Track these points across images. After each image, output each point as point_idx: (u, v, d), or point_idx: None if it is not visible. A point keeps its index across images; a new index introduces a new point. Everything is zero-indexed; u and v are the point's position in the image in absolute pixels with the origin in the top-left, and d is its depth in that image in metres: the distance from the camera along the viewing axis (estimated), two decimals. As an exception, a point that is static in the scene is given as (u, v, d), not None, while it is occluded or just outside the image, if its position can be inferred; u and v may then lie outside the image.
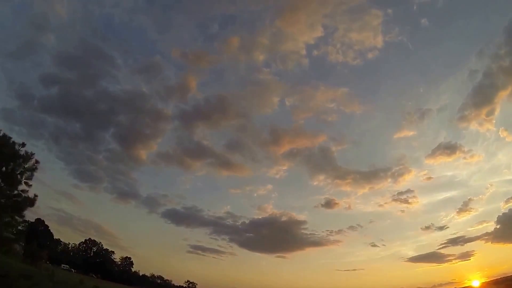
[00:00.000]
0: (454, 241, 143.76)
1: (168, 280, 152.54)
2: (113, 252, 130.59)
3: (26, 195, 25.65)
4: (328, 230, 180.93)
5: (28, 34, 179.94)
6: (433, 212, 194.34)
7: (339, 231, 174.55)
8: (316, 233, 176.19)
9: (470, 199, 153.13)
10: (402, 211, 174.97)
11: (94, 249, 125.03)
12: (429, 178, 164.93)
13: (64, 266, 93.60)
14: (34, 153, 25.91)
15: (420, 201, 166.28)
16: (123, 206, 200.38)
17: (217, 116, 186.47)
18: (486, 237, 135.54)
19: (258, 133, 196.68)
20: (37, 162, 25.99)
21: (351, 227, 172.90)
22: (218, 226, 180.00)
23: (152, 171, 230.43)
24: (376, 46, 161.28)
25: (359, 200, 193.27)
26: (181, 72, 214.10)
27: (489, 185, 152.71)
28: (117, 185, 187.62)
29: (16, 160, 25.06)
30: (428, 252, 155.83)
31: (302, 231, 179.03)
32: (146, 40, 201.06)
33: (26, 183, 25.96)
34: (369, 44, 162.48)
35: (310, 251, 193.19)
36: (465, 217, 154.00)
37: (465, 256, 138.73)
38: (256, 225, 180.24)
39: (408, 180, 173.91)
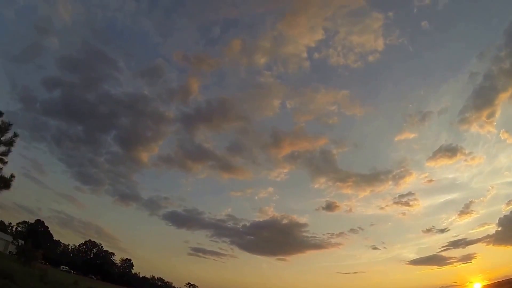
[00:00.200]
0: (455, 244, 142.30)
1: (168, 283, 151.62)
2: (113, 253, 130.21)
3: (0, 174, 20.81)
4: (329, 233, 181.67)
5: (32, 38, 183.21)
6: (434, 214, 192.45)
7: (340, 234, 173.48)
8: (317, 236, 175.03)
9: (471, 202, 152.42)
10: (403, 213, 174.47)
11: (94, 250, 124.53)
12: (430, 180, 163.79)
13: (63, 268, 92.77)
14: (11, 124, 21.34)
15: (421, 204, 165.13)
16: (124, 208, 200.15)
17: (219, 119, 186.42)
18: (487, 240, 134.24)
19: (259, 136, 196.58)
20: (15, 135, 21.62)
21: (352, 230, 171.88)
22: (219, 229, 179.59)
23: (153, 173, 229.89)
24: (377, 49, 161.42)
25: (360, 203, 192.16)
26: (183, 75, 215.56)
27: (490, 187, 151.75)
28: (118, 188, 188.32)
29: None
30: (429, 254, 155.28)
31: (303, 233, 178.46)
32: (149, 44, 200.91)
33: (1, 160, 21.57)
34: (370, 47, 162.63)
35: (311, 254, 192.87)
36: (466, 219, 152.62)
37: (467, 258, 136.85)
38: (257, 228, 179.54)
39: (409, 183, 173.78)
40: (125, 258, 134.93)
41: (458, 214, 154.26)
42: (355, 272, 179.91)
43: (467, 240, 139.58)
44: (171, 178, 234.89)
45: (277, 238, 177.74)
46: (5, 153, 21.54)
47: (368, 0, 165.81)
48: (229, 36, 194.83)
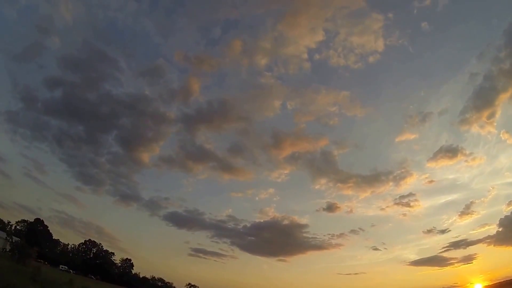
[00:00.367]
0: (456, 245, 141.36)
1: (169, 283, 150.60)
2: (113, 253, 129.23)
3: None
4: (329, 234, 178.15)
5: (33, 37, 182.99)
6: (435, 215, 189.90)
7: (341, 235, 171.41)
8: (317, 237, 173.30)
9: (472, 202, 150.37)
10: (404, 214, 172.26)
11: (94, 250, 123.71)
12: (431, 181, 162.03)
13: (62, 267, 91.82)
14: None
15: (422, 205, 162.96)
16: (125, 208, 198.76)
17: (219, 119, 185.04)
18: (488, 240, 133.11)
19: (260, 136, 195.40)
20: None
21: (353, 231, 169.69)
22: (219, 230, 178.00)
23: (154, 174, 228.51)
24: (377, 49, 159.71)
25: (361, 203, 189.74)
26: (184, 76, 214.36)
27: (491, 188, 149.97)
28: (119, 188, 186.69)
29: None
30: (430, 255, 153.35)
31: (304, 234, 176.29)
32: (149, 44, 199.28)
33: None
34: (370, 48, 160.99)
35: (311, 255, 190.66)
36: (467, 220, 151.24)
37: (468, 259, 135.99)
38: (258, 229, 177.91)
39: (409, 184, 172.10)
40: (125, 258, 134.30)
41: (459, 215, 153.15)
42: (356, 273, 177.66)
43: (468, 240, 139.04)
44: (172, 178, 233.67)
45: (277, 239, 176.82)
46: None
47: (368, 1, 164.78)
48: (230, 37, 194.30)
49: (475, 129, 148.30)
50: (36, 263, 38.34)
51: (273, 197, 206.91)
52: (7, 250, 46.32)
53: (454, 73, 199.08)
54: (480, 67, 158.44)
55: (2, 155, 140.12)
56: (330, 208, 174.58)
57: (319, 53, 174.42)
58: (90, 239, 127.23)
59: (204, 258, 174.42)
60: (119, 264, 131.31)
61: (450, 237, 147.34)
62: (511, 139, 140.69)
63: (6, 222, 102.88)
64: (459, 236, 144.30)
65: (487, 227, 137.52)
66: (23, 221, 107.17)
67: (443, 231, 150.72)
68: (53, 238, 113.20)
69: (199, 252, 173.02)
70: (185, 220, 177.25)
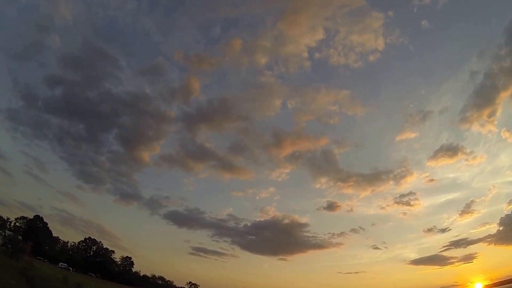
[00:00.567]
0: (456, 244, 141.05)
1: (169, 281, 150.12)
2: (113, 251, 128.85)
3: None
4: (330, 233, 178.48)
5: (33, 36, 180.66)
6: (435, 214, 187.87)
7: (341, 234, 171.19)
8: (318, 236, 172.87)
9: (472, 201, 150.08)
10: (404, 213, 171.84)
11: (94, 248, 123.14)
12: (431, 180, 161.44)
13: (62, 265, 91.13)
14: None
15: (422, 204, 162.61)
16: (125, 207, 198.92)
17: (220, 118, 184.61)
18: (489, 239, 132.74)
19: (260, 135, 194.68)
20: None
21: (353, 230, 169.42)
22: (220, 228, 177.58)
23: (154, 173, 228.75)
24: (377, 48, 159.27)
25: (361, 202, 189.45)
26: (184, 74, 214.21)
27: (491, 187, 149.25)
28: (119, 187, 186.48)
29: None
30: (430, 254, 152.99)
31: (304, 233, 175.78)
32: (149, 42, 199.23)
33: None
34: (370, 47, 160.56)
35: (312, 254, 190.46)
36: (468, 219, 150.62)
37: (468, 258, 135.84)
38: (258, 228, 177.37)
39: (410, 183, 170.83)
40: (125, 256, 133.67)
41: (459, 214, 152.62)
42: (356, 272, 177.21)
43: (468, 239, 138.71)
44: (173, 177, 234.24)
45: (278, 238, 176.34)
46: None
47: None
48: (230, 36, 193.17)
49: (475, 127, 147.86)
50: (29, 258, 37.96)
51: (274, 196, 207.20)
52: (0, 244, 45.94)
53: (455, 72, 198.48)
54: (481, 65, 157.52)
55: (3, 153, 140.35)
56: (331, 207, 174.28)
57: (319, 52, 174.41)
58: (90, 237, 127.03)
59: (205, 257, 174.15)
60: (119, 262, 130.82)
61: (450, 236, 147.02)
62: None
63: (5, 218, 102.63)
64: (459, 235, 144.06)
65: (487, 226, 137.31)
66: (22, 217, 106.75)
67: (443, 230, 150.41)
68: (53, 235, 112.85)
69: (199, 251, 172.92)
70: (185, 219, 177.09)
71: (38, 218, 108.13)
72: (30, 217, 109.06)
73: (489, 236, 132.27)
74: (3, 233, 58.79)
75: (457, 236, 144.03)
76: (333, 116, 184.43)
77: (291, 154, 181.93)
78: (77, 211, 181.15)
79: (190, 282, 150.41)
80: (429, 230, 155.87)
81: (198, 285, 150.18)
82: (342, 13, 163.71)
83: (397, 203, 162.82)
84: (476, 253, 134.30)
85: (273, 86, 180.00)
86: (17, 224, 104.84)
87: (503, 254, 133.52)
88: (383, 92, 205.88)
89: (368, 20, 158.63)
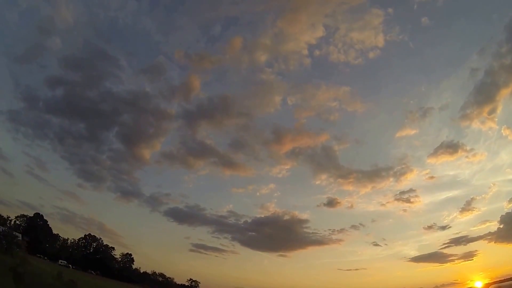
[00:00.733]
0: (456, 241, 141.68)
1: (170, 278, 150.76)
2: (113, 248, 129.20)
3: None
4: (330, 229, 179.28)
5: (35, 38, 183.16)
6: (435, 211, 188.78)
7: (341, 230, 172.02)
8: (318, 232, 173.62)
9: (472, 199, 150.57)
10: (404, 210, 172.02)
11: (94, 245, 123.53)
12: (431, 177, 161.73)
13: (61, 262, 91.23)
14: None
15: (422, 201, 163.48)
16: (126, 205, 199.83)
17: (220, 115, 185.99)
18: (489, 237, 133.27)
19: (260, 132, 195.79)
20: None
21: (353, 226, 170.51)
22: (220, 225, 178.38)
23: (155, 170, 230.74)
24: (377, 45, 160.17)
25: (362, 199, 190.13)
26: (184, 73, 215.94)
27: (492, 185, 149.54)
28: (120, 184, 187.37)
29: None
30: (430, 252, 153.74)
31: (305, 230, 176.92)
32: (150, 42, 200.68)
33: None
34: (370, 44, 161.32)
35: (312, 250, 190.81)
36: (468, 216, 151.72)
37: (468, 256, 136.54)
38: (259, 224, 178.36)
39: (410, 180, 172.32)
40: (125, 252, 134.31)
41: (460, 211, 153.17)
42: (356, 269, 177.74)
43: (469, 237, 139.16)
44: (173, 174, 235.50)
45: (278, 234, 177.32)
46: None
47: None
48: (230, 34, 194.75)
49: (476, 124, 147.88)
50: (23, 254, 37.74)
51: (274, 193, 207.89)
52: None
53: (455, 68, 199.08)
54: (481, 62, 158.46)
55: (4, 153, 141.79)
56: (331, 203, 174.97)
57: (319, 49, 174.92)
58: (90, 234, 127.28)
59: (205, 253, 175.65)
60: (119, 259, 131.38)
61: (450, 234, 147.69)
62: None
63: (6, 217, 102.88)
64: (459, 232, 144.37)
65: (488, 224, 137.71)
66: (23, 216, 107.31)
67: (443, 228, 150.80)
68: (53, 233, 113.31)
69: (200, 247, 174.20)
70: (186, 216, 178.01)
71: (38, 216, 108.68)
72: (30, 215, 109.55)
73: (489, 234, 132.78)
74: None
75: (457, 233, 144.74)
76: (333, 113, 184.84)
77: (291, 151, 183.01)
78: (78, 209, 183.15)
79: (190, 279, 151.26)
80: (429, 227, 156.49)
81: (199, 282, 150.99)
82: (342, 10, 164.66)
83: (397, 200, 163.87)
84: (476, 250, 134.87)
85: (273, 83, 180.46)
86: (17, 222, 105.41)
87: (503, 252, 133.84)
88: (383, 88, 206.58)
89: (368, 17, 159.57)
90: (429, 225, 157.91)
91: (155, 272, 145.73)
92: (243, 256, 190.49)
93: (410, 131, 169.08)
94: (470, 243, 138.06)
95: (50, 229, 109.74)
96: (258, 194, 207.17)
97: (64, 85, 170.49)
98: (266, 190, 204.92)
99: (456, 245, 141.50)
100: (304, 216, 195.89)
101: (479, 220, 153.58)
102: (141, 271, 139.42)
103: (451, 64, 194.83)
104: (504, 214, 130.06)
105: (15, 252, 37.27)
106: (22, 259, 32.19)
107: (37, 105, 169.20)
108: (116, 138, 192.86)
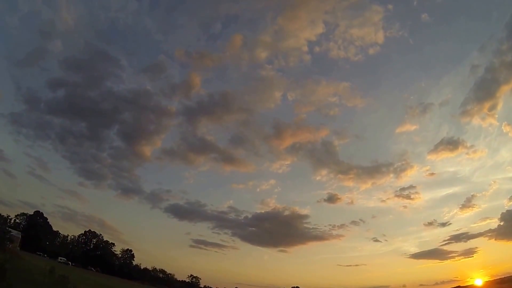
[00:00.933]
0: (457, 238, 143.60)
1: (170, 274, 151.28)
2: (113, 244, 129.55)
3: None
4: (330, 225, 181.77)
5: (36, 42, 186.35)
6: (435, 208, 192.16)
7: (342, 226, 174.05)
8: (318, 228, 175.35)
9: (473, 196, 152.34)
10: (405, 206, 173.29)
11: (94, 241, 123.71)
12: (432, 174, 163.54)
13: (61, 259, 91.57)
14: None
15: (423, 197, 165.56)
16: (127, 202, 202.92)
17: (221, 111, 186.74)
18: (489, 234, 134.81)
19: (261, 127, 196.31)
20: None
21: (354, 222, 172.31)
22: (220, 221, 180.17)
23: (156, 167, 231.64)
24: (377, 42, 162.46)
25: (362, 195, 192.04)
26: (185, 70, 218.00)
27: (492, 182, 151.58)
28: (121, 182, 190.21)
29: None
30: (430, 248, 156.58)
31: (305, 225, 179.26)
32: (151, 42, 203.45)
33: None
34: (370, 40, 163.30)
35: (312, 246, 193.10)
36: (468, 213, 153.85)
37: (468, 253, 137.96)
38: (259, 220, 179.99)
39: (410, 176, 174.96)
40: (125, 249, 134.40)
41: (460, 208, 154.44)
42: (356, 265, 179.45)
43: (469, 234, 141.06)
44: (174, 171, 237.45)
45: (278, 230, 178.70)
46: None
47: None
48: (230, 32, 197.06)
49: (476, 121, 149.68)
50: (14, 249, 37.49)
51: (274, 188, 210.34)
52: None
53: (455, 65, 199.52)
54: (482, 59, 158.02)
55: (6, 155, 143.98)
56: (331, 199, 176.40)
57: (319, 45, 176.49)
58: (90, 230, 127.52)
59: (205, 249, 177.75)
60: (120, 255, 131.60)
61: (451, 230, 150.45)
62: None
63: (5, 216, 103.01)
64: (460, 229, 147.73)
65: (488, 221, 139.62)
66: (23, 214, 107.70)
67: (443, 224, 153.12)
68: (53, 230, 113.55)
69: (200, 243, 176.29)
70: (186, 212, 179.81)
71: (38, 214, 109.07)
72: (30, 214, 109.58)
73: (490, 231, 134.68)
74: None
75: (457, 230, 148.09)
76: (333, 108, 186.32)
77: (291, 146, 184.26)
78: (79, 207, 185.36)
79: (191, 275, 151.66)
80: (430, 223, 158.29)
81: (200, 278, 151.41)
82: (342, 7, 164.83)
83: (398, 196, 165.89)
84: (476, 247, 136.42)
85: (273, 79, 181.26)
86: (17, 220, 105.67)
87: (504, 250, 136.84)
88: (383, 84, 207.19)
89: (368, 13, 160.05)
90: (429, 221, 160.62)
91: (155, 268, 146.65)
92: (243, 252, 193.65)
93: (410, 127, 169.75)
94: (471, 240, 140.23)
95: (50, 226, 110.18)
96: (258, 189, 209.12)
97: (65, 86, 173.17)
98: (266, 186, 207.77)
99: (456, 242, 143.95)
100: (304, 211, 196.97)
101: (480, 217, 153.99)
102: (142, 268, 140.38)
103: (451, 60, 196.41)
104: (504, 211, 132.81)
105: (7, 247, 37.04)
106: (13, 254, 31.96)
107: (39, 106, 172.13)
108: (117, 136, 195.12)
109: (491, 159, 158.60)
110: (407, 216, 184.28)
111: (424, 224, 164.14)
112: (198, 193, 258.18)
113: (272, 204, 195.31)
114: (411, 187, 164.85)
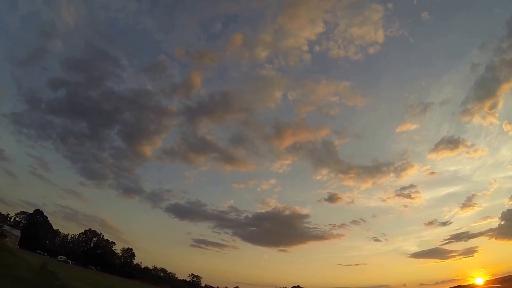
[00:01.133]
0: (457, 237, 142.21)
1: (171, 273, 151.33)
2: (113, 243, 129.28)
3: None
4: (330, 224, 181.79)
5: (36, 42, 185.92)
6: (436, 207, 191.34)
7: (342, 225, 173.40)
8: (319, 227, 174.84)
9: (473, 195, 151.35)
10: (405, 206, 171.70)
11: (94, 240, 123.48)
12: (432, 173, 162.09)
13: (61, 258, 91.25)
14: None
15: (423, 196, 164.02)
16: (128, 201, 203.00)
17: (221, 111, 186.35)
18: (490, 233, 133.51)
19: (261, 127, 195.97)
20: None
21: (354, 222, 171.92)
22: (221, 220, 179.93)
23: (156, 166, 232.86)
24: (377, 40, 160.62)
25: (362, 194, 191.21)
26: (185, 70, 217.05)
27: (492, 181, 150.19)
28: (122, 182, 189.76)
29: None
30: (431, 247, 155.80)
31: (305, 225, 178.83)
32: (151, 41, 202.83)
33: None
34: (370, 39, 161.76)
35: (312, 245, 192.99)
36: (469, 212, 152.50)
37: (469, 252, 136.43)
38: (259, 219, 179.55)
39: (410, 175, 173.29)
40: (126, 248, 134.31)
41: (460, 207, 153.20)
42: (357, 264, 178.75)
43: (469, 233, 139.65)
44: (174, 170, 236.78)
45: (279, 229, 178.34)
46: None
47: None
48: (230, 31, 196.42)
49: (477, 120, 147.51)
50: (6, 245, 37.30)
51: (275, 188, 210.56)
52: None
53: (455, 63, 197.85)
54: (482, 58, 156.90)
55: (8, 155, 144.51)
56: (332, 198, 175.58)
57: (319, 44, 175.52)
58: (90, 229, 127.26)
59: (206, 248, 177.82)
60: (120, 254, 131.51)
61: (451, 230, 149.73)
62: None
63: (5, 214, 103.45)
64: (460, 228, 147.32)
65: (489, 220, 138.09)
66: (23, 212, 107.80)
67: (444, 223, 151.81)
68: (53, 229, 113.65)
69: (201, 242, 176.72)
70: (187, 212, 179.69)
71: (38, 212, 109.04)
72: (30, 212, 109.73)
73: (490, 230, 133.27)
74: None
75: (458, 229, 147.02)
76: (333, 107, 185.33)
77: (292, 145, 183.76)
78: (80, 206, 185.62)
79: (192, 274, 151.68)
80: (430, 223, 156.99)
81: (201, 277, 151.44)
82: (341, 6, 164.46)
83: (398, 195, 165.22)
84: (477, 247, 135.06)
85: (273, 79, 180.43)
86: (17, 219, 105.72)
87: (504, 249, 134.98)
88: (383, 83, 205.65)
89: (368, 12, 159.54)
90: (429, 221, 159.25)
91: (156, 267, 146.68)
92: (244, 251, 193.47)
93: (410, 126, 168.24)
94: (471, 239, 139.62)
95: (50, 225, 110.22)
96: (258, 189, 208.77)
97: (66, 86, 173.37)
98: (266, 185, 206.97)
99: (456, 241, 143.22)
100: (304, 211, 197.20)
101: (480, 216, 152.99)
102: (142, 267, 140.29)
103: (452, 59, 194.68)
104: (505, 210, 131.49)
105: (1, 243, 36.87)
106: (7, 251, 31.73)
107: (40, 106, 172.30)
108: (118, 136, 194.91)
109: (491, 158, 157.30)
110: (407, 216, 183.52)
111: (425, 224, 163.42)
112: (198, 193, 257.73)
113: (273, 203, 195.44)
114: (412, 186, 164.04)
